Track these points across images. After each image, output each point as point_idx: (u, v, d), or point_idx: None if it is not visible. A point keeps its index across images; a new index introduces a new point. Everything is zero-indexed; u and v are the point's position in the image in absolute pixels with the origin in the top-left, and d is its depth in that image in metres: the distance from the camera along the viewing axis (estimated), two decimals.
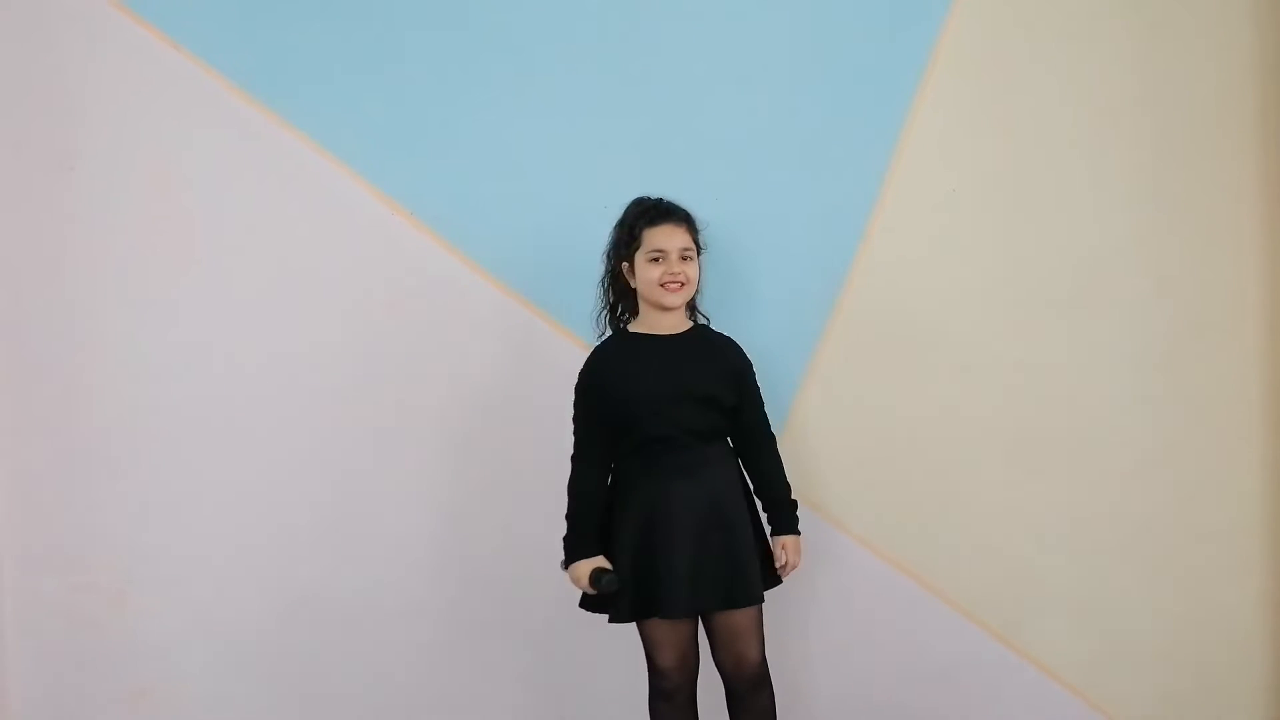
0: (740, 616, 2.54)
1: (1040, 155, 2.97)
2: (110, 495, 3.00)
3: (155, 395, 2.98)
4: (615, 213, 2.63)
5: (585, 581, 2.52)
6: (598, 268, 2.68)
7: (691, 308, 2.67)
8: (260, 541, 3.00)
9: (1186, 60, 2.96)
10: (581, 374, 2.59)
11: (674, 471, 2.52)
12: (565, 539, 2.57)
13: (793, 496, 2.67)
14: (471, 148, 2.95)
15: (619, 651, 2.87)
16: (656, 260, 2.54)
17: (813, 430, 2.97)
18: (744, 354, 2.66)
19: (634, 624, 2.57)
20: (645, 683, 2.63)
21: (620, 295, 2.65)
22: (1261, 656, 3.02)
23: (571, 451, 2.59)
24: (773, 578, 2.62)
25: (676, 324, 2.61)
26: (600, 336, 2.67)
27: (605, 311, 2.68)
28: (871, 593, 2.99)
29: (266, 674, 3.02)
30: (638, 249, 2.56)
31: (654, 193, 2.63)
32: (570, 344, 2.95)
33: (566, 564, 2.56)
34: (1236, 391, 2.99)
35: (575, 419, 2.59)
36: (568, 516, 2.58)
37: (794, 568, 2.65)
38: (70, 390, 2.99)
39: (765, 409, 2.67)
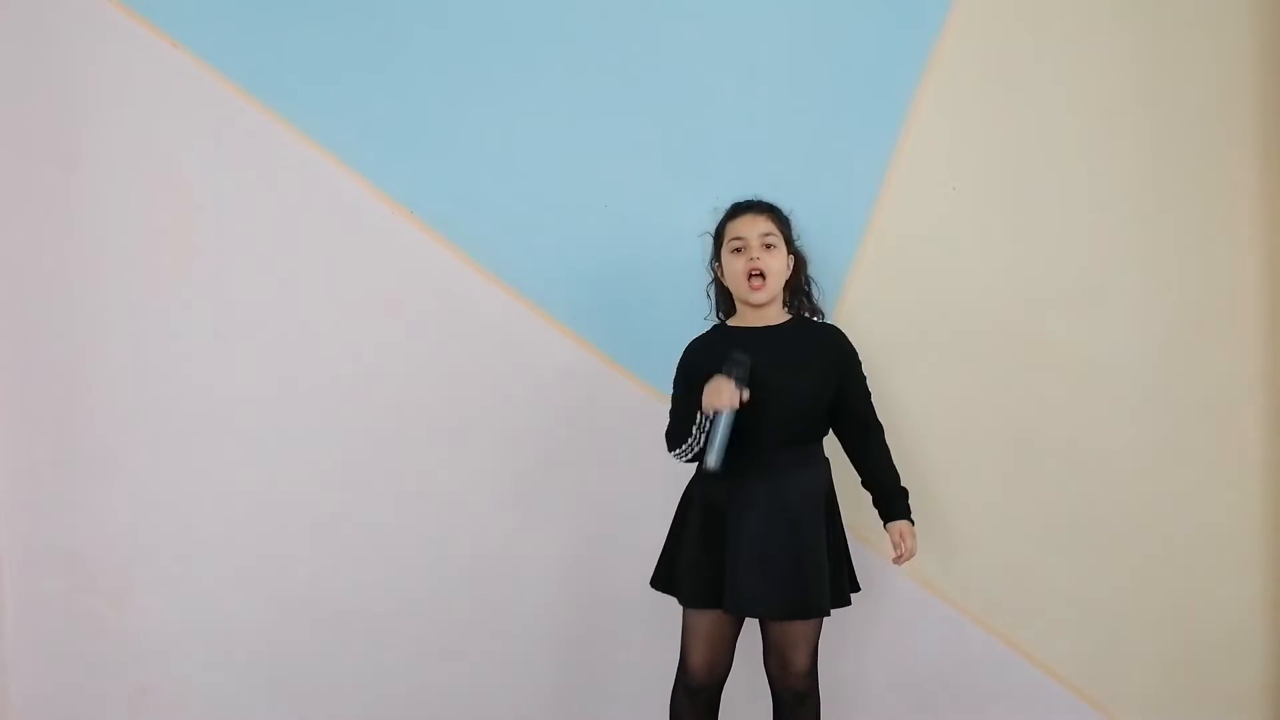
0: (795, 625, 2.50)
1: (1041, 154, 2.97)
2: (111, 495, 3.00)
3: (156, 395, 2.99)
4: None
5: (725, 393, 2.38)
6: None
7: (803, 296, 2.67)
8: (261, 541, 3.00)
9: (1187, 59, 2.96)
10: (679, 363, 2.59)
11: (752, 470, 2.49)
12: (674, 426, 2.53)
13: (902, 485, 2.62)
14: (473, 147, 2.96)
15: (616, 654, 2.88)
16: (739, 250, 2.54)
17: None
18: (848, 343, 2.63)
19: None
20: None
21: (721, 297, 2.67)
22: (1261, 656, 3.02)
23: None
24: (844, 596, 2.55)
25: (774, 316, 2.59)
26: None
27: (713, 313, 2.70)
28: (871, 591, 2.98)
29: (267, 673, 3.02)
30: (723, 244, 2.58)
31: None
32: (571, 343, 2.96)
33: (703, 410, 2.41)
34: (1237, 391, 2.99)
35: (673, 399, 2.58)
36: (673, 422, 2.54)
37: (911, 554, 2.57)
38: (71, 390, 2.99)
39: (871, 399, 2.64)
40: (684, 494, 2.63)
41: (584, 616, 2.97)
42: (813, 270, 2.93)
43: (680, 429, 2.53)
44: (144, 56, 2.95)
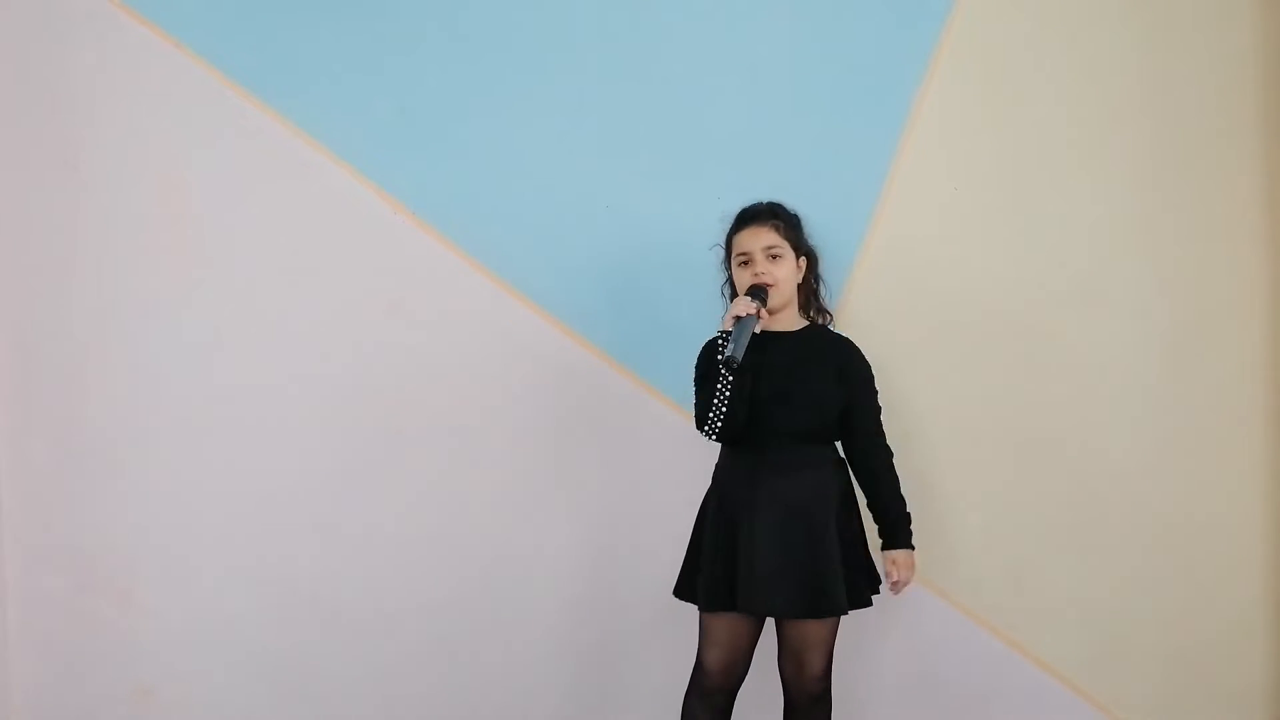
0: (812, 626, 2.51)
1: (1042, 153, 2.97)
2: (114, 495, 3.00)
3: (158, 394, 2.99)
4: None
5: (742, 303, 2.45)
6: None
7: (814, 306, 2.68)
8: (264, 541, 3.00)
9: (1188, 58, 2.96)
10: (699, 359, 2.59)
11: (767, 469, 2.51)
12: (701, 401, 2.52)
13: (905, 510, 2.61)
14: (475, 147, 2.96)
15: (620, 653, 2.88)
16: (745, 263, 2.55)
17: None
18: (859, 357, 2.62)
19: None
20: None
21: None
22: (1262, 655, 3.02)
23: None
24: (863, 597, 2.56)
25: (788, 323, 2.60)
26: None
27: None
28: None
29: (270, 673, 3.02)
30: (731, 256, 2.59)
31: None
32: (572, 343, 2.96)
33: (721, 352, 2.45)
34: (1238, 390, 2.99)
35: (696, 391, 2.58)
36: (700, 402, 2.53)
37: (905, 584, 2.59)
38: (74, 390, 2.99)
39: (881, 418, 2.63)
40: (702, 501, 2.63)
41: (586, 617, 2.97)
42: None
43: (706, 399, 2.51)
44: (145, 56, 2.95)
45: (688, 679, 2.60)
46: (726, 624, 2.52)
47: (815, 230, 2.93)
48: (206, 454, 2.99)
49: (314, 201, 2.97)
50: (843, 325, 2.95)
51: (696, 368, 2.59)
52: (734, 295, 2.64)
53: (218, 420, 2.99)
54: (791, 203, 2.90)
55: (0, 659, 3.00)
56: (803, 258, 2.61)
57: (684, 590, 2.61)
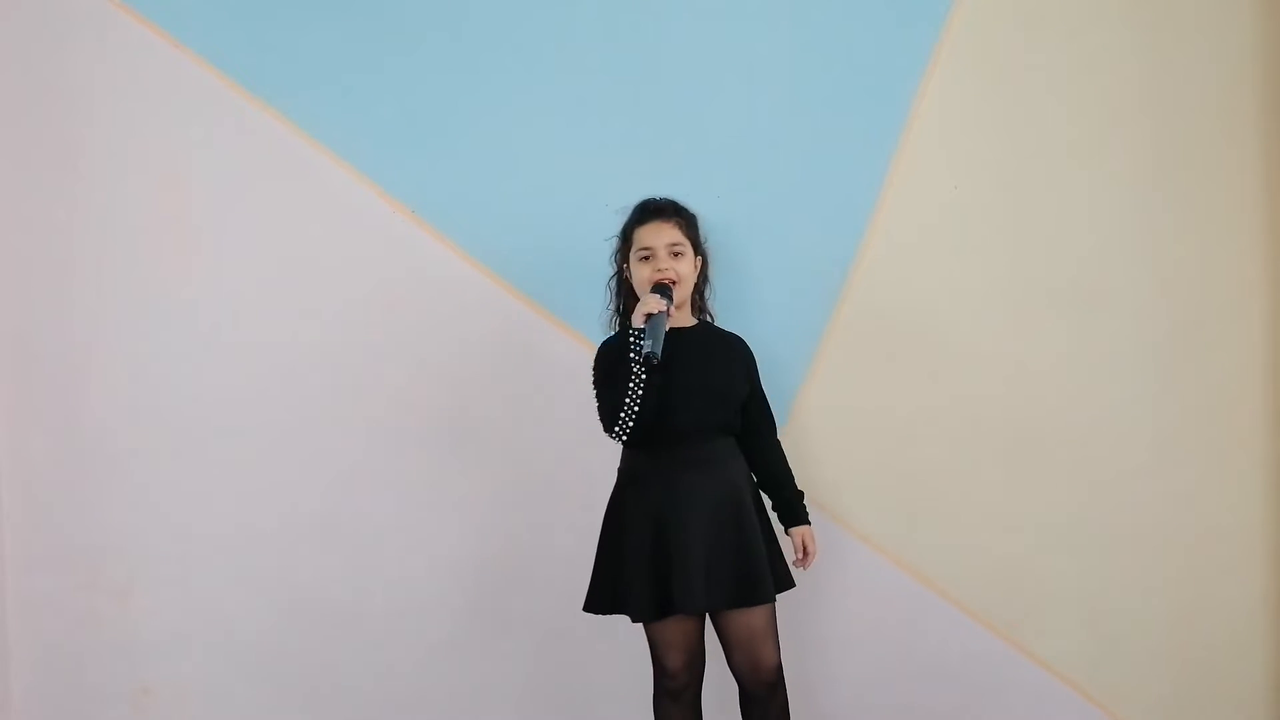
0: (756, 619, 2.52)
1: (1042, 153, 2.97)
2: (113, 493, 3.01)
3: (158, 394, 2.99)
4: (618, 212, 2.65)
5: (652, 301, 2.44)
6: (601, 266, 2.69)
7: (700, 305, 2.69)
8: (263, 539, 3.00)
9: (1188, 58, 2.96)
10: (597, 362, 2.59)
11: (686, 466, 2.51)
12: (608, 404, 2.50)
13: (799, 488, 2.68)
14: (474, 147, 2.96)
15: (618, 651, 2.88)
16: (646, 259, 2.55)
17: (815, 428, 2.97)
18: (749, 349, 2.67)
19: (640, 624, 2.56)
20: (647, 680, 2.63)
21: (627, 297, 2.66)
22: (1262, 656, 3.02)
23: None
24: (785, 580, 2.60)
25: (682, 319, 2.61)
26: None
27: (614, 315, 2.70)
28: (873, 590, 3.00)
29: (269, 672, 3.02)
30: (631, 249, 2.59)
31: (656, 191, 2.64)
32: (573, 342, 2.96)
33: (636, 351, 2.43)
34: (1237, 390, 2.99)
35: (599, 393, 2.57)
36: (604, 404, 2.52)
37: (814, 557, 2.64)
38: (72, 389, 2.99)
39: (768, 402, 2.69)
40: (609, 509, 2.61)
41: (587, 617, 2.96)
42: (814, 270, 2.95)
43: (615, 401, 2.49)
44: (145, 56, 2.96)
45: None
46: (676, 626, 2.53)
47: (815, 229, 2.95)
48: (206, 453, 2.99)
49: (314, 201, 2.97)
50: (841, 323, 2.97)
51: (595, 371, 2.57)
52: (620, 288, 2.66)
53: (217, 420, 2.99)
54: (791, 202, 2.92)
55: (0, 659, 3.00)
56: (699, 257, 2.63)
57: (601, 603, 2.57)
